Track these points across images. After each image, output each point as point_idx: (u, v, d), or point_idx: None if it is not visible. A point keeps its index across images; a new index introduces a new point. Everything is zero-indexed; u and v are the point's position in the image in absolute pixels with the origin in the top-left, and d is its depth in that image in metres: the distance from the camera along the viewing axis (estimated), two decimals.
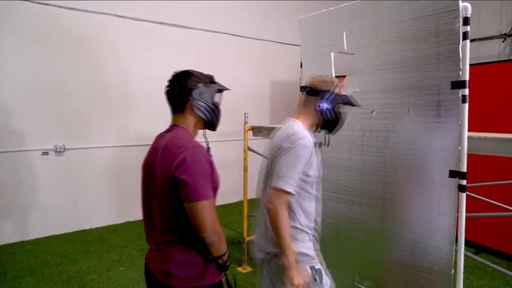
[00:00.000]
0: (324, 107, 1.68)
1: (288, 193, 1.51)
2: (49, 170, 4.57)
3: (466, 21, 1.83)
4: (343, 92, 1.72)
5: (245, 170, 3.64)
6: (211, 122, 1.51)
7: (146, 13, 5.15)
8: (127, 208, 5.12)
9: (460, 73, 1.81)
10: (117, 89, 5.04)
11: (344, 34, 2.41)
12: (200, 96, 1.46)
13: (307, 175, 1.60)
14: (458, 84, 1.81)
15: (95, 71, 4.85)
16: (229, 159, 5.80)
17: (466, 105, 1.80)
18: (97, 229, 4.84)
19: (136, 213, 5.15)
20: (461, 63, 1.80)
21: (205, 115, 1.48)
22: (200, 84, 1.46)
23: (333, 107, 1.69)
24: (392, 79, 2.17)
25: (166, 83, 1.48)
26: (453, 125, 1.85)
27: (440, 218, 1.88)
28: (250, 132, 3.61)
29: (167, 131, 1.50)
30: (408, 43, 2.06)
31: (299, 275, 1.49)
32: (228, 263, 1.42)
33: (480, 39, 6.46)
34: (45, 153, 4.54)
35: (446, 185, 1.86)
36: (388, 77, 2.19)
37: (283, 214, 1.51)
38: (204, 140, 1.58)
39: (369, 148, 2.30)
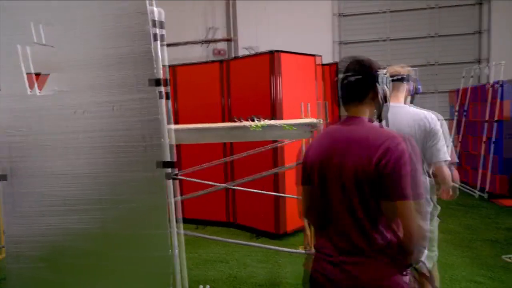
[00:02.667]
0: (418, 88, 2.32)
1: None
2: None
3: (155, 23, 2.01)
4: None
5: None
6: (381, 111, 1.47)
7: None
8: None
9: (155, 71, 1.97)
10: None
11: (33, 25, 2.08)
12: (383, 83, 1.43)
13: None
14: (154, 82, 1.97)
15: None
16: None
17: (163, 101, 1.99)
18: None
19: None
20: (155, 63, 1.96)
21: (382, 104, 1.45)
22: (379, 71, 1.45)
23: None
24: (97, 77, 2.09)
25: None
26: (156, 120, 2.00)
27: (153, 207, 2.02)
28: None
29: (345, 123, 1.44)
30: (108, 40, 2.04)
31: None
32: None
33: (185, 43, 8.15)
34: None
35: (155, 176, 2.01)
36: (94, 75, 2.10)
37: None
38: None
39: (82, 150, 2.14)
